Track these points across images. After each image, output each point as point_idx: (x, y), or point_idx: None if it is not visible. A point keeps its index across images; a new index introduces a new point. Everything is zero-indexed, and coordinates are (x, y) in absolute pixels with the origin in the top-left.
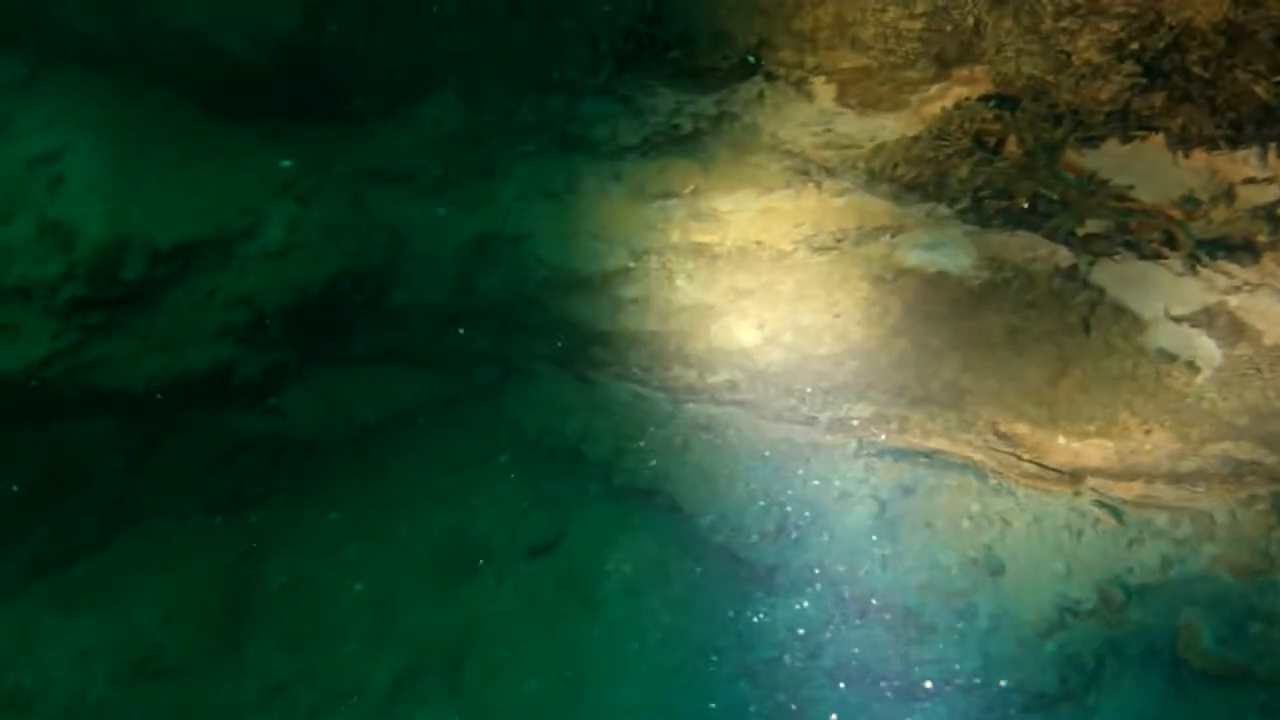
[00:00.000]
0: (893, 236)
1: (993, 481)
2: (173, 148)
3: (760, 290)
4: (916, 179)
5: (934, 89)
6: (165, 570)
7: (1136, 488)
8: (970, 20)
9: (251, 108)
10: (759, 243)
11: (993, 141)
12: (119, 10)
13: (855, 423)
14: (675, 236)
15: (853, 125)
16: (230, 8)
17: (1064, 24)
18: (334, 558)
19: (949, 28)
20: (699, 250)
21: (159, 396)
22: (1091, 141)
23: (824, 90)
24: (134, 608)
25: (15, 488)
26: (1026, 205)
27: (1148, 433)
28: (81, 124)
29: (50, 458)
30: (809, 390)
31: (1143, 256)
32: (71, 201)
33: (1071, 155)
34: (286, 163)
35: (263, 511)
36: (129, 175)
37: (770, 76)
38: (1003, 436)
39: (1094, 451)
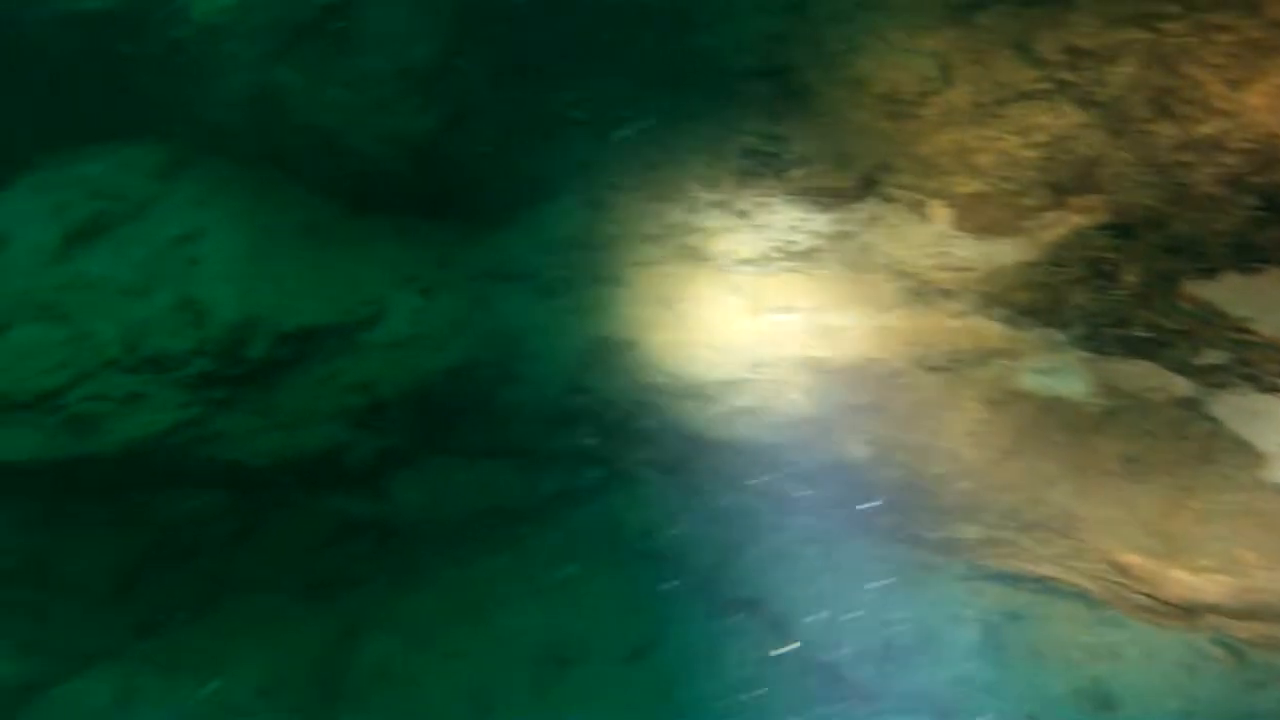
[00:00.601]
0: (1008, 360)
1: (1105, 612)
2: (303, 237)
3: (873, 407)
4: (1033, 304)
5: (1050, 216)
6: (263, 644)
7: (1257, 627)
8: (1088, 151)
9: (380, 205)
10: (873, 360)
11: (1109, 270)
12: (261, 111)
13: (964, 544)
14: (790, 350)
15: (969, 249)
16: (366, 113)
17: (1181, 157)
18: (430, 646)
19: (1066, 157)
20: (814, 365)
21: (271, 473)
22: (1209, 273)
23: (941, 214)
24: (233, 678)
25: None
26: (1143, 335)
27: (1269, 570)
28: (219, 210)
29: (162, 526)
30: (918, 509)
31: (1262, 389)
32: (206, 281)
33: (1189, 286)
34: None
35: (362, 594)
36: (260, 260)
37: (888, 199)
38: (1116, 567)
39: (1212, 587)
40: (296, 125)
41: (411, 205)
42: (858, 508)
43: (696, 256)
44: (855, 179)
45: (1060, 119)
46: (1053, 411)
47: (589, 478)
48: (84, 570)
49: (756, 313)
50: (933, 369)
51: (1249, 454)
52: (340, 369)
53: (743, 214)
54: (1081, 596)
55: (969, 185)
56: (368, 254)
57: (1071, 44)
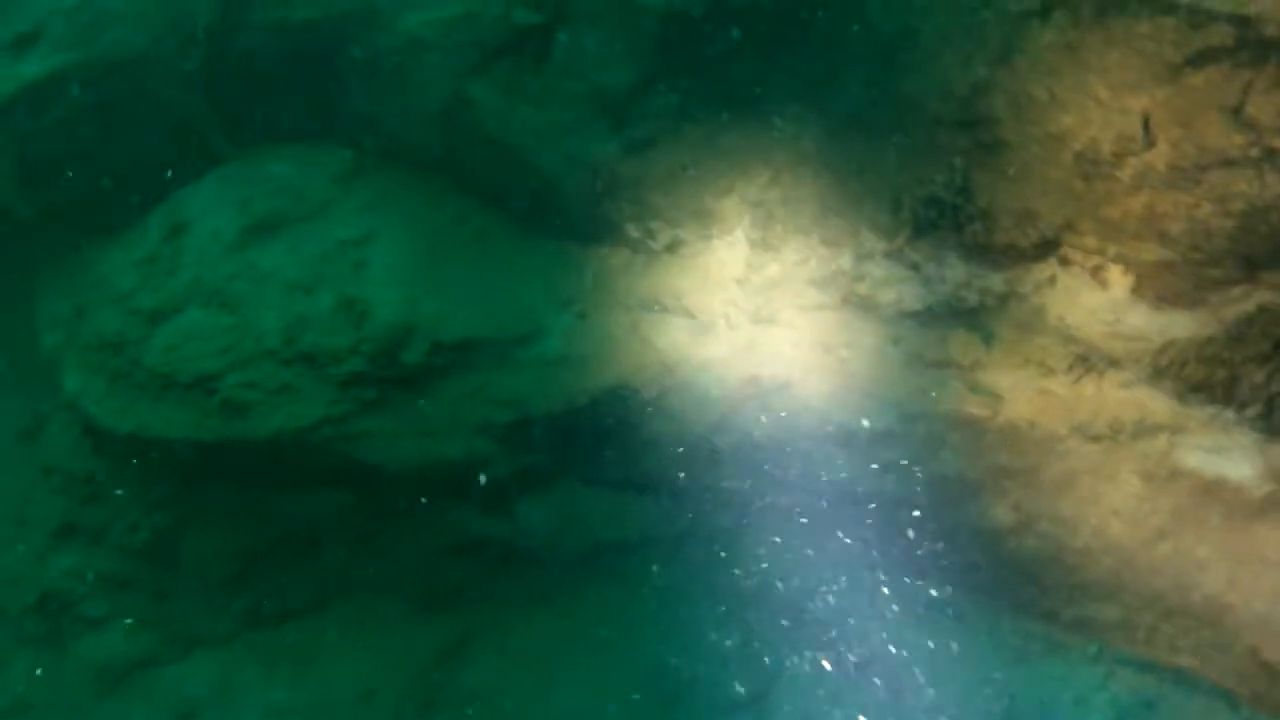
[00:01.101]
0: (1172, 435)
1: (1245, 713)
2: (471, 250)
3: (1025, 472)
4: (1206, 380)
5: (1237, 290)
6: (371, 649)
7: None
8: None
9: (551, 226)
10: (1032, 423)
11: None
12: (450, 124)
13: (1101, 624)
14: (947, 406)
15: (1144, 318)
16: (553, 132)
17: None
18: (538, 670)
19: (1263, 229)
20: (969, 423)
21: (406, 478)
22: None
23: (1120, 280)
24: (333, 679)
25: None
26: None
27: None
28: (392, 216)
29: (289, 519)
30: (1055, 583)
31: None
32: (370, 283)
33: None
34: None
35: (475, 610)
36: (426, 268)
37: (1065, 261)
38: (1263, 666)
39: None
40: (482, 139)
41: (581, 229)
42: (990, 577)
43: (862, 304)
44: (1036, 237)
45: (1263, 188)
46: (1214, 493)
47: (721, 519)
48: (207, 555)
49: (916, 365)
50: (1092, 438)
51: None
52: (491, 382)
53: (914, 265)
54: (1223, 695)
55: (1154, 252)
56: (532, 272)
57: None
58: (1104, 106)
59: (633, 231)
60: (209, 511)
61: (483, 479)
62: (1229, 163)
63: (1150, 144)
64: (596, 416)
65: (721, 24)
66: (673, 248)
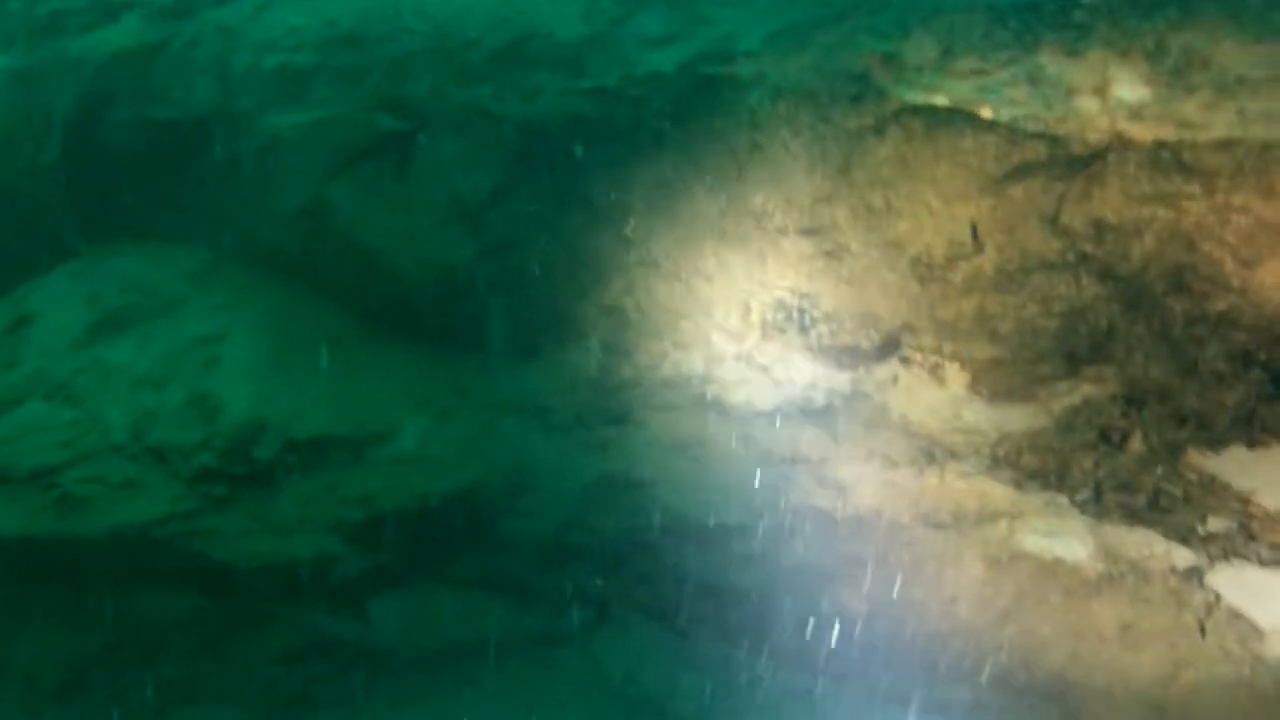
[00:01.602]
0: (1011, 520)
1: None
2: (325, 351)
3: (874, 560)
4: (1040, 468)
5: (1063, 385)
6: None
7: None
8: (1104, 323)
9: (408, 329)
10: (878, 513)
11: (1117, 437)
12: (307, 226)
13: (955, 705)
14: (796, 500)
15: (981, 413)
16: (410, 236)
17: (1194, 331)
18: None
19: (1083, 328)
20: (818, 516)
21: (253, 578)
22: (1216, 445)
23: (957, 377)
24: None
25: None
26: (1146, 502)
27: None
28: (246, 315)
29: (128, 623)
30: (911, 669)
31: (1263, 563)
32: (222, 380)
33: (1194, 456)
34: None
35: (326, 716)
36: (280, 367)
37: (906, 360)
38: None
39: None
40: (340, 242)
41: (438, 332)
42: (845, 666)
43: (712, 406)
44: (878, 339)
45: (1080, 290)
46: (1053, 574)
47: (577, 618)
48: (35, 659)
49: (766, 463)
50: (936, 526)
51: (1248, 628)
52: (343, 480)
53: (764, 368)
54: None
55: (987, 350)
56: (388, 373)
57: (1098, 218)
58: (936, 215)
59: (489, 335)
60: (43, 612)
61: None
62: (1049, 266)
63: (979, 249)
64: (449, 516)
65: (575, 136)
66: (530, 352)
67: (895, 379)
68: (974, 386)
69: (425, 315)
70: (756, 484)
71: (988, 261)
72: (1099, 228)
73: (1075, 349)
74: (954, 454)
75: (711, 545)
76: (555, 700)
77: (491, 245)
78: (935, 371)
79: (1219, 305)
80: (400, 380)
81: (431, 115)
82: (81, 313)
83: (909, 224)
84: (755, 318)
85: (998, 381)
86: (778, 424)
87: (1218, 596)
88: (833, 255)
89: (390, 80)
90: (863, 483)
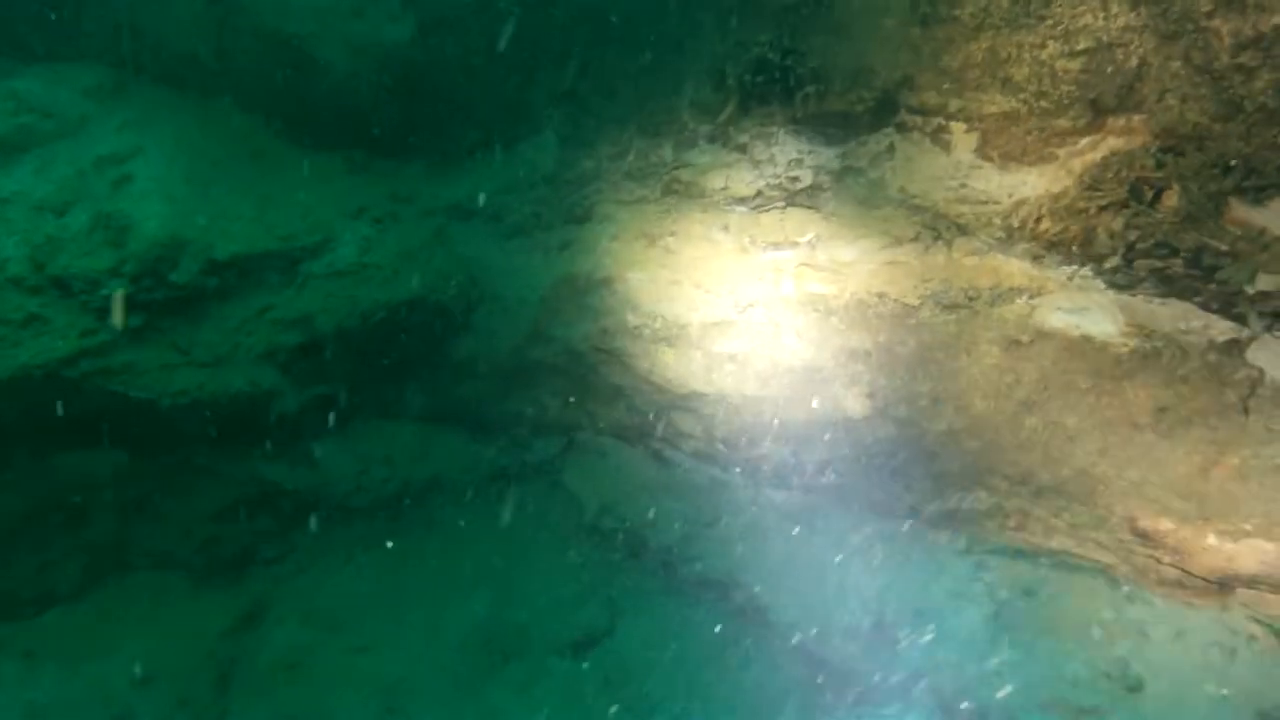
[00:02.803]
0: (1030, 298)
1: (1127, 588)
2: (251, 164)
3: (877, 351)
4: (1060, 235)
5: (1085, 141)
6: (151, 629)
7: None
8: (1134, 60)
9: (339, 138)
10: (881, 296)
11: (1150, 194)
12: (218, 17)
13: (969, 515)
14: (787, 288)
15: (991, 181)
16: (339, 16)
17: (1240, 59)
18: (346, 636)
19: (1109, 68)
20: (812, 303)
21: (179, 420)
22: (1263, 194)
23: (963, 140)
24: (107, 666)
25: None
26: (1184, 265)
27: None
28: (159, 133)
29: (52, 486)
30: (918, 475)
31: None
32: (133, 199)
33: (1238, 209)
34: None
35: (273, 573)
36: (198, 182)
37: (902, 127)
38: (1142, 535)
39: (1250, 555)
40: (255, 35)
41: (374, 136)
42: (846, 477)
43: (686, 193)
44: (871, 99)
45: (1109, 20)
46: (1078, 355)
47: (543, 449)
48: None
49: (749, 250)
50: (946, 308)
51: None
52: (275, 303)
53: (741, 148)
54: (1102, 573)
55: (998, 103)
56: (320, 184)
57: None
58: None
59: (431, 135)
60: None
61: (269, 418)
62: None
63: None
64: (394, 334)
65: None
66: (478, 148)
67: (891, 149)
68: (983, 150)
69: (358, 116)
70: (740, 273)
71: None
72: None
73: (1101, 94)
74: (962, 228)
75: (690, 347)
76: (525, 541)
77: (431, 21)
78: (938, 136)
79: (1275, 19)
80: (334, 190)
81: None
82: None
83: None
84: (731, 85)
85: (1009, 141)
86: (761, 210)
87: (1261, 372)
88: (819, 1)
89: None
90: (861, 262)
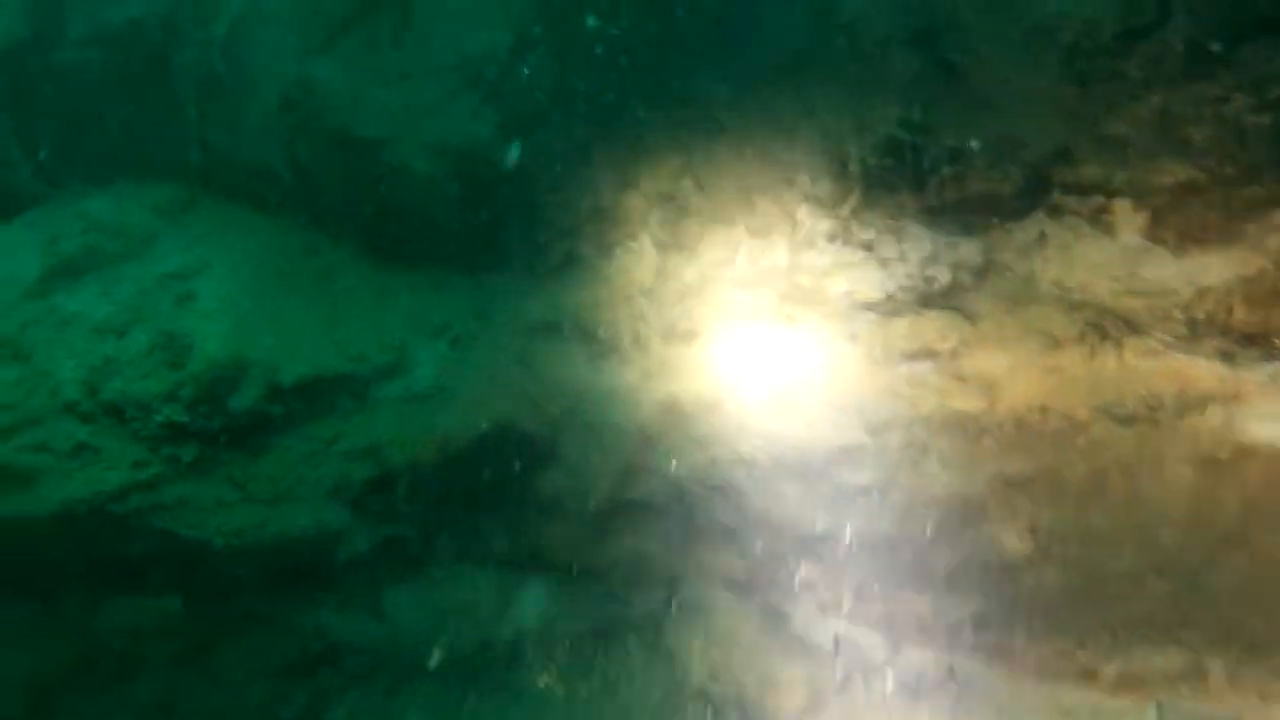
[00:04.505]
0: (1226, 406)
1: None
2: (323, 280)
3: (1039, 478)
4: (1259, 327)
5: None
6: None
7: None
8: None
9: (415, 252)
10: (1042, 411)
11: None
12: (294, 122)
13: (1158, 677)
14: (928, 405)
15: (1167, 267)
16: (414, 114)
17: None
18: None
19: None
20: (959, 422)
21: (237, 563)
22: None
23: (1130, 221)
24: None
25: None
26: None
27: None
28: (227, 249)
29: (100, 635)
30: (1093, 628)
31: None
32: (194, 318)
33: None
34: None
35: None
36: (265, 300)
37: (1056, 210)
38: None
39: None
40: (331, 138)
41: (453, 249)
42: (1002, 634)
43: (804, 301)
44: (1020, 179)
45: None
46: None
47: (644, 601)
48: None
49: (881, 362)
50: (1122, 422)
51: None
52: (343, 431)
53: (867, 245)
54: None
55: (1173, 173)
56: (394, 301)
57: None
58: None
59: (516, 245)
60: None
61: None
62: (1272, 29)
63: (1167, 15)
64: (475, 467)
65: None
66: (567, 257)
67: (1042, 238)
68: (1155, 230)
69: (437, 226)
70: (871, 390)
71: (1178, 35)
72: None
73: None
74: (1135, 325)
75: (816, 478)
76: (622, 710)
77: (514, 118)
78: (1099, 217)
79: None
80: (411, 307)
81: None
82: (37, 259)
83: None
84: (854, 172)
85: (1188, 219)
86: (893, 314)
87: None
88: (952, 68)
89: None
90: (1016, 375)
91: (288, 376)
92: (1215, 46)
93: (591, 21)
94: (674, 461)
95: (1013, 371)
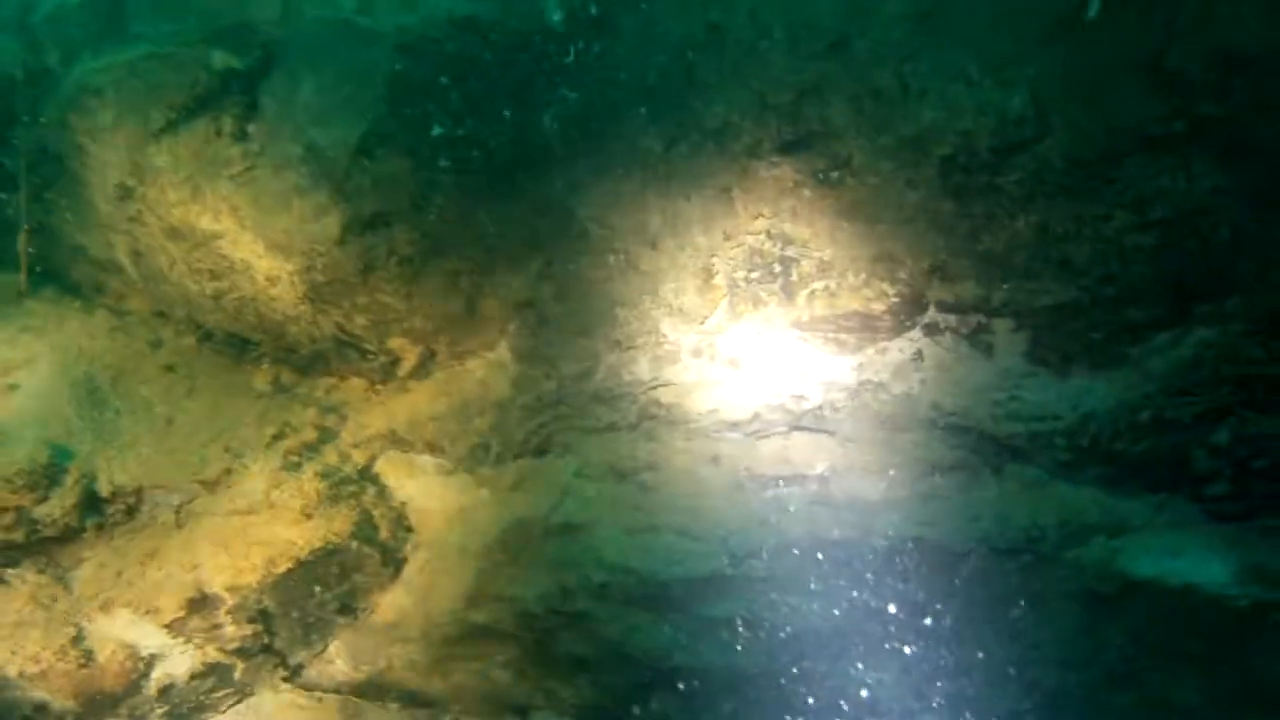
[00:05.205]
0: (1110, 538)
1: None
2: (159, 380)
3: (918, 607)
4: (1144, 456)
5: (1164, 336)
6: None
7: None
8: (1225, 231)
9: (261, 352)
10: (917, 541)
11: (1255, 398)
12: (131, 215)
13: None
14: (795, 531)
15: (1049, 390)
16: (259, 210)
17: None
18: None
19: (1194, 242)
20: (829, 552)
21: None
22: None
23: (1009, 341)
24: None
25: None
26: None
27: None
28: (59, 343)
29: None
30: None
31: None
32: (8, 415)
33: None
34: None
35: None
36: (92, 399)
37: (933, 329)
38: None
39: None
40: (170, 234)
41: (299, 348)
42: None
43: (666, 418)
44: (894, 295)
45: (1191, 181)
46: (1180, 611)
47: None
48: None
49: (746, 487)
50: (1003, 554)
51: None
52: (163, 545)
53: (732, 362)
54: None
55: (1053, 293)
56: (235, 403)
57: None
58: (982, 85)
59: (368, 350)
60: None
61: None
62: (1151, 143)
63: (1044, 123)
64: (306, 587)
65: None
66: (419, 368)
67: (919, 356)
68: (1036, 351)
69: (282, 327)
70: (735, 517)
71: (1059, 140)
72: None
73: (1184, 276)
74: (1016, 451)
75: (675, 610)
76: None
77: (361, 217)
78: (977, 337)
79: None
80: (249, 412)
81: (281, 45)
82: None
83: (940, 109)
84: (719, 284)
85: (1070, 340)
86: (759, 435)
87: None
88: (826, 176)
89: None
90: (889, 502)
91: (104, 486)
92: (1096, 163)
93: (440, 122)
94: (523, 588)
95: (887, 500)
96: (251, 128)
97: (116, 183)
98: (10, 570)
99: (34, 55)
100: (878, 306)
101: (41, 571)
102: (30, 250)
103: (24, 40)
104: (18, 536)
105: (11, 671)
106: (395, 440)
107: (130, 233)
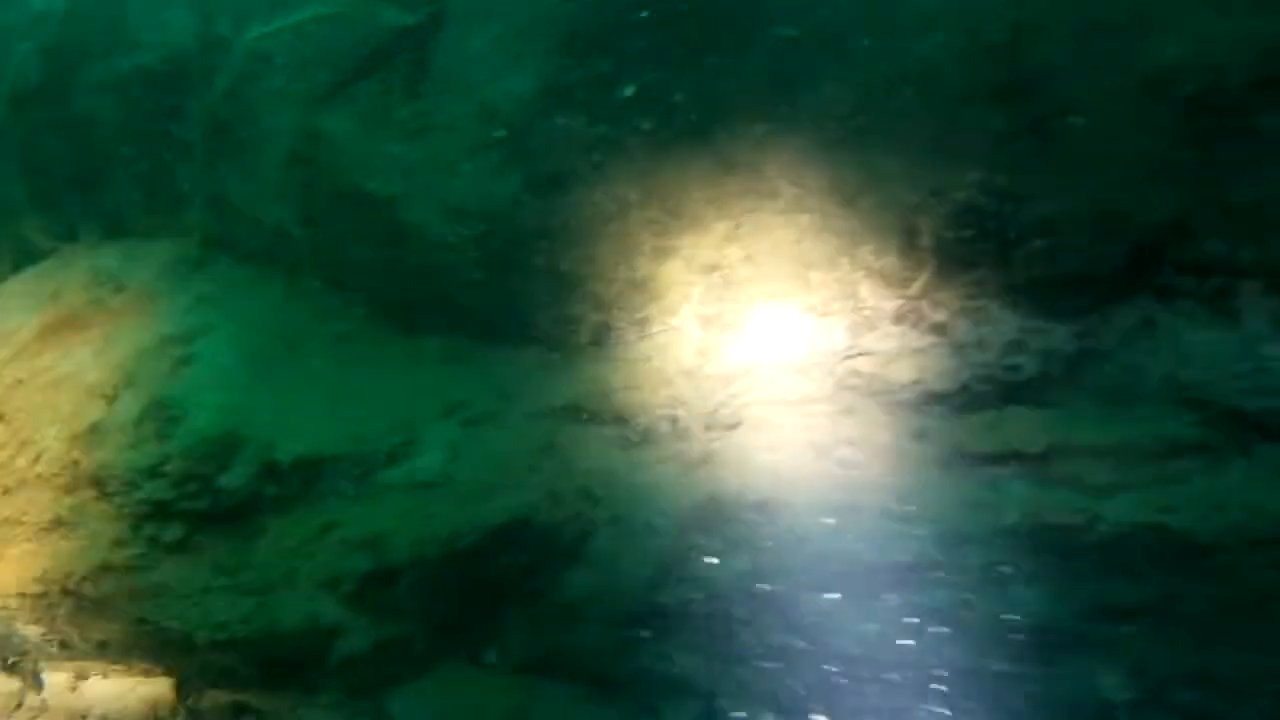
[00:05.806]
0: None
1: None
2: (332, 349)
3: (1150, 609)
4: None
5: None
6: None
7: None
8: None
9: (433, 320)
10: (1157, 530)
11: None
12: (300, 179)
13: None
14: (1013, 517)
15: None
16: (430, 171)
17: None
18: None
19: None
20: (1050, 541)
21: (219, 660)
22: None
23: (1257, 306)
24: None
25: None
26: None
27: None
28: (234, 312)
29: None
30: None
31: None
32: (189, 385)
33: None
34: None
35: None
36: (268, 369)
37: (1166, 292)
38: None
39: None
40: (339, 197)
41: (475, 318)
42: None
43: (863, 390)
44: (1123, 255)
45: None
46: None
47: (675, 716)
48: None
49: (954, 466)
50: (1253, 545)
51: None
52: (342, 517)
53: (939, 328)
54: None
55: None
56: (407, 375)
57: None
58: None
59: (543, 317)
60: None
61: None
62: None
63: None
64: (487, 563)
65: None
66: (599, 335)
67: (1149, 322)
68: None
69: (455, 293)
70: (943, 499)
71: None
72: None
73: None
74: (1268, 430)
75: (874, 598)
76: None
77: (541, 176)
78: (1219, 302)
79: None
80: (425, 383)
81: (451, 4)
82: (34, 315)
83: (1183, 40)
84: (926, 245)
85: None
86: (967, 410)
87: None
88: (1046, 126)
89: None
90: (1119, 485)
91: (284, 454)
92: None
93: (622, 75)
94: (714, 566)
95: (1116, 483)
96: (423, 86)
97: (288, 149)
98: (198, 537)
99: (206, 25)
100: (1104, 267)
101: (227, 540)
102: (206, 220)
103: (197, 11)
104: (203, 504)
105: (202, 637)
106: (575, 411)
107: (302, 199)
